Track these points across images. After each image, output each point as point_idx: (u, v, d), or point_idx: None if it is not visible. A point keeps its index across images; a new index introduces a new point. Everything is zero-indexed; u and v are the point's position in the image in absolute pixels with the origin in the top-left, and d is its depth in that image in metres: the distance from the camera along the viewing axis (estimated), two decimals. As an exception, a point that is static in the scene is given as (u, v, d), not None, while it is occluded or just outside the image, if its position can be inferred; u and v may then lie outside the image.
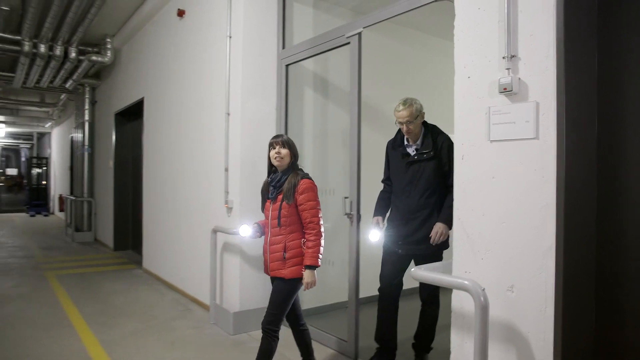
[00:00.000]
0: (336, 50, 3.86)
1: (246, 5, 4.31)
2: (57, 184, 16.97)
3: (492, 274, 2.18)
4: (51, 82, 9.74)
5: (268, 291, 4.29)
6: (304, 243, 2.89)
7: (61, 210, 14.69)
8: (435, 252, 3.21)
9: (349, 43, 3.61)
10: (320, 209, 2.93)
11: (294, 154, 3.03)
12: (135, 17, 6.97)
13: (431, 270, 2.29)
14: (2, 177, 22.07)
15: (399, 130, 3.34)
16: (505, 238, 2.13)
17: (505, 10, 2.11)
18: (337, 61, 4.60)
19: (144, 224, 6.97)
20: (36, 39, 7.57)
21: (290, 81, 4.43)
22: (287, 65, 4.38)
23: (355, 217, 3.55)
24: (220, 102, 4.56)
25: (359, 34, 3.52)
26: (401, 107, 3.20)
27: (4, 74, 9.93)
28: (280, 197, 2.94)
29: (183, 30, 5.51)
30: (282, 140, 2.99)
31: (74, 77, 9.20)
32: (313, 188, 2.92)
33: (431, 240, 3.10)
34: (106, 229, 9.27)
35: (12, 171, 24.63)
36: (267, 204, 3.04)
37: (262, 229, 3.14)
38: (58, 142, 17.24)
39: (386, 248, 3.41)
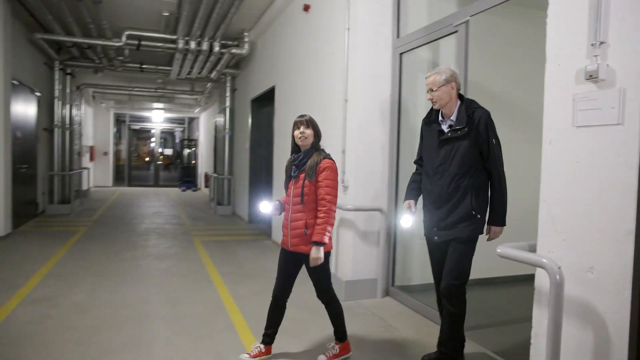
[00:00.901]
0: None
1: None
2: (204, 162, 19.08)
3: (573, 255, 2.28)
4: (199, 73, 11.08)
5: (377, 264, 4.66)
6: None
7: (206, 186, 16.57)
8: (470, 236, 2.98)
9: (457, 31, 3.75)
10: (336, 189, 3.02)
11: (317, 134, 3.10)
12: (268, 12, 7.68)
13: (516, 248, 2.44)
14: (161, 157, 25.32)
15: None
16: (587, 221, 2.21)
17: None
18: (450, 45, 4.70)
19: (274, 200, 7.73)
20: (188, 37, 8.71)
21: (403, 68, 4.67)
22: (400, 54, 4.62)
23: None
24: (339, 89, 4.96)
25: (466, 22, 3.64)
26: (429, 73, 3.06)
27: (163, 68, 11.54)
28: (302, 175, 3.04)
29: (308, 24, 6.01)
30: (306, 120, 3.06)
31: (218, 68, 10.38)
32: (334, 168, 3.01)
33: (487, 239, 3.04)
34: (242, 204, 10.37)
35: (168, 151, 28.06)
36: (290, 182, 3.13)
37: (282, 206, 3.20)
38: (204, 126, 19.31)
39: (426, 236, 3.23)
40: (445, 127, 3.03)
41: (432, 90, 3.01)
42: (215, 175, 12.29)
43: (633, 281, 2.04)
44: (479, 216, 2.96)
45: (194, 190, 18.85)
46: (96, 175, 18.92)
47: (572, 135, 2.27)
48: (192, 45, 8.94)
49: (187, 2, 7.01)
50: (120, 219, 9.84)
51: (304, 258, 3.08)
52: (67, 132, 11.26)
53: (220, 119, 12.36)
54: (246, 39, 9.07)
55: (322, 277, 3.13)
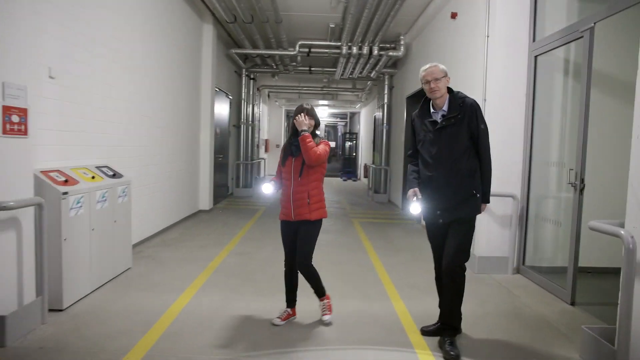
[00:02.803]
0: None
1: (501, 9, 5.20)
2: (363, 154, 20.46)
3: (648, 227, 2.78)
4: (360, 73, 12.28)
5: (509, 244, 5.21)
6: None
7: (365, 176, 17.88)
8: (472, 215, 3.28)
9: (582, 37, 4.19)
10: (327, 154, 3.49)
11: (317, 123, 3.61)
12: (421, 18, 8.47)
13: (605, 223, 2.99)
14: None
15: (423, 101, 3.40)
16: (661, 201, 2.70)
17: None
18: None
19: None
20: (350, 43, 9.92)
21: (538, 69, 5.13)
22: (535, 56, 5.10)
23: (578, 186, 4.20)
24: (479, 89, 5.60)
25: (591, 28, 4.06)
26: (427, 66, 3.32)
27: (329, 69, 13.03)
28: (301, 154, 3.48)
29: (455, 30, 6.69)
30: (310, 112, 3.56)
31: (377, 68, 11.44)
32: (329, 144, 3.59)
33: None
34: (397, 192, 11.34)
35: (332, 144, 30.26)
36: (289, 160, 3.57)
37: (277, 185, 3.68)
38: (364, 120, 20.66)
39: (427, 221, 3.44)
40: (438, 118, 3.29)
41: (435, 80, 3.25)
42: (373, 166, 13.44)
43: (693, 249, 2.51)
44: (478, 195, 3.27)
45: (354, 180, 20.35)
46: (270, 165, 21.54)
47: (654, 130, 2.77)
48: (354, 50, 10.13)
49: (350, 14, 8.15)
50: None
51: (300, 225, 3.54)
52: (250, 128, 13.43)
53: (378, 114, 13.46)
54: (402, 42, 9.97)
55: (312, 242, 3.57)
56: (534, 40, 5.16)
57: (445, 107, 3.27)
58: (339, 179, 21.03)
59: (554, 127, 5.26)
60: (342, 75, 12.70)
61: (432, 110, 3.33)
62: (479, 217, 5.42)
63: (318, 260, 5.39)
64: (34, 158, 3.48)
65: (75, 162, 4.40)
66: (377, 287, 4.69)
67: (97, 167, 4.62)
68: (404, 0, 7.30)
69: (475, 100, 3.27)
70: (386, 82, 12.58)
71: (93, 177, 4.27)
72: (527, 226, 5.27)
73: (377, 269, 5.32)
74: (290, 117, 25.54)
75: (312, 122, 3.56)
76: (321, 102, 21.17)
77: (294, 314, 3.77)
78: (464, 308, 3.45)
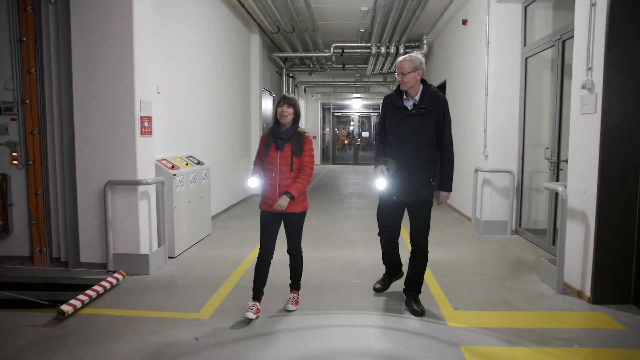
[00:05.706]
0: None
1: (497, 19, 6.42)
2: (395, 143, 21.57)
3: (578, 185, 4.04)
4: (389, 68, 13.54)
5: (507, 210, 6.46)
6: (295, 180, 3.45)
7: (397, 163, 19.03)
8: (428, 199, 3.60)
9: (554, 45, 5.40)
10: (314, 157, 3.53)
11: (297, 113, 3.44)
12: (439, 22, 9.70)
13: (554, 184, 4.27)
14: (359, 139, 28.79)
15: (398, 86, 3.60)
16: (582, 165, 3.96)
17: (587, 37, 3.88)
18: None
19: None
20: (379, 43, 11.22)
21: (528, 68, 6.34)
22: (526, 58, 6.31)
23: (555, 162, 5.44)
24: (482, 86, 6.85)
25: (558, 39, 5.27)
26: (401, 59, 3.48)
27: (360, 66, 14.35)
28: (288, 147, 3.42)
29: (464, 35, 7.92)
30: (289, 99, 3.43)
31: (403, 64, 12.66)
32: (312, 141, 3.53)
33: (438, 203, 3.77)
34: (424, 176, 12.57)
35: (365, 134, 31.45)
36: (274, 152, 3.44)
37: (261, 176, 3.55)
38: (396, 110, 21.74)
39: (382, 196, 3.72)
40: (409, 105, 3.54)
41: (402, 74, 3.45)
42: (402, 152, 14.66)
43: (598, 197, 3.79)
44: (432, 183, 3.62)
45: (387, 167, 21.50)
46: (308, 155, 23.01)
47: (579, 119, 4.02)
48: (382, 49, 11.42)
49: (377, 21, 9.45)
50: (330, 186, 13.02)
51: (287, 217, 3.57)
52: (291, 122, 14.87)
53: (406, 105, 14.64)
54: (425, 41, 11.17)
55: (298, 234, 3.67)
56: (524, 45, 6.37)
57: (417, 97, 3.53)
58: (373, 166, 22.17)
59: (542, 113, 6.47)
60: (372, 71, 13.97)
61: (404, 97, 3.59)
62: (483, 187, 6.78)
63: (354, 228, 6.78)
64: (154, 151, 5.02)
65: (172, 153, 5.95)
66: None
67: (187, 157, 6.17)
68: (422, 10, 8.54)
69: (444, 97, 3.62)
70: (413, 76, 13.75)
71: (187, 164, 5.82)
72: (522, 195, 6.52)
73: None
74: (326, 109, 26.79)
75: (292, 111, 3.45)
76: (354, 95, 22.46)
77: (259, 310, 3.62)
78: (465, 256, 4.72)
